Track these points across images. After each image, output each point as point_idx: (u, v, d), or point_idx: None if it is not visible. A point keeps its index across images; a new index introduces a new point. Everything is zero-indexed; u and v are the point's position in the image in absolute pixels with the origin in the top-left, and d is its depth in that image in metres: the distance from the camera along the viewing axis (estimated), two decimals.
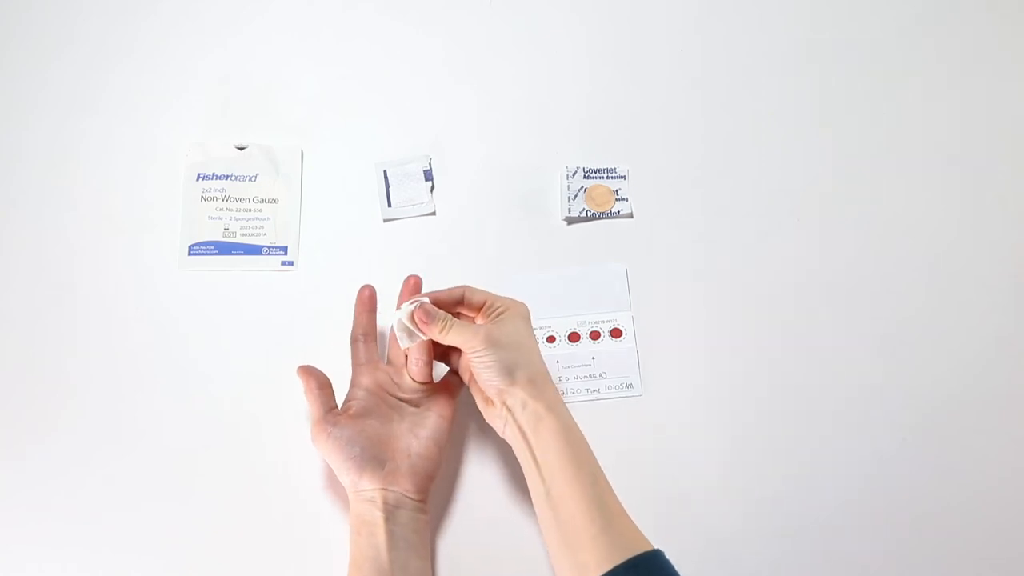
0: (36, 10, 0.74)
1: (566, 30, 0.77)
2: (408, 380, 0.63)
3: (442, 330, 0.58)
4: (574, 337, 0.70)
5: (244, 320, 0.69)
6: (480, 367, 0.57)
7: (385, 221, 0.72)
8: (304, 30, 0.75)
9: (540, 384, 0.57)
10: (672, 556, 0.54)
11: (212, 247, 0.70)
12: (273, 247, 0.71)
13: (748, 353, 0.70)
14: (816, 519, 0.67)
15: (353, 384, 0.63)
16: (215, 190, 0.71)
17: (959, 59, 0.78)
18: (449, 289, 0.61)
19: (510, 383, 0.57)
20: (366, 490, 0.58)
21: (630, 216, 0.73)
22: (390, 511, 0.57)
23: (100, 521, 0.64)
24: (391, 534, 0.56)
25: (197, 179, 0.71)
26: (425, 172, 0.72)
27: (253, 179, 0.72)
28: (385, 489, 0.58)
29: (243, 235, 0.71)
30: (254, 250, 0.71)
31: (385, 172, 0.72)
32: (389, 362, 0.65)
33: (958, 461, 0.68)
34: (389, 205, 0.72)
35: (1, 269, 0.69)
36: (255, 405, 0.67)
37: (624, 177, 0.73)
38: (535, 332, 0.68)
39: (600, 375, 0.69)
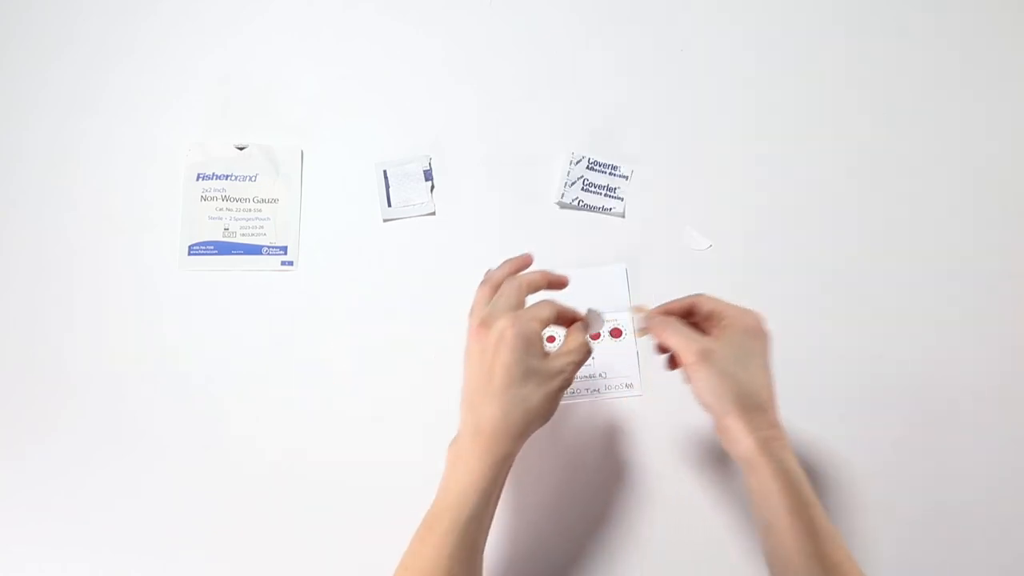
0: (36, 10, 0.74)
1: (566, 30, 0.77)
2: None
3: (660, 332, 0.56)
4: None
5: (244, 320, 0.69)
6: (692, 380, 0.55)
7: (385, 221, 0.72)
8: (304, 30, 0.75)
9: (755, 419, 0.54)
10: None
11: (212, 247, 0.70)
12: (273, 247, 0.71)
13: None
14: None
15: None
16: (215, 190, 0.71)
17: (959, 59, 0.78)
18: (681, 299, 0.59)
19: (718, 411, 0.54)
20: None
21: (622, 216, 0.73)
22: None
23: (100, 521, 0.64)
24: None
25: (197, 179, 0.71)
26: (425, 172, 0.72)
27: (253, 179, 0.72)
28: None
29: (243, 235, 0.71)
30: (254, 250, 0.71)
31: (385, 172, 0.72)
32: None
33: (958, 461, 0.68)
34: (389, 205, 0.72)
35: (1, 269, 0.69)
36: (255, 405, 0.67)
37: (626, 177, 0.73)
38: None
39: (600, 375, 0.69)
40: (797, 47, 0.77)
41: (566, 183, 0.72)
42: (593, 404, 0.68)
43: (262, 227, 0.71)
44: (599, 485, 0.67)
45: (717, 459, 0.68)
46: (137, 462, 0.66)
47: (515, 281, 0.56)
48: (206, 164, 0.72)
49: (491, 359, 0.53)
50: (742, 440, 0.53)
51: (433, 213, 0.72)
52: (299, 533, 0.65)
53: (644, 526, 0.66)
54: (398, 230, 0.72)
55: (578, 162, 0.73)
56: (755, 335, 0.56)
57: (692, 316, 0.58)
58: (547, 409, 0.55)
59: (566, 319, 0.58)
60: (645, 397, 0.69)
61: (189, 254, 0.70)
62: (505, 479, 0.54)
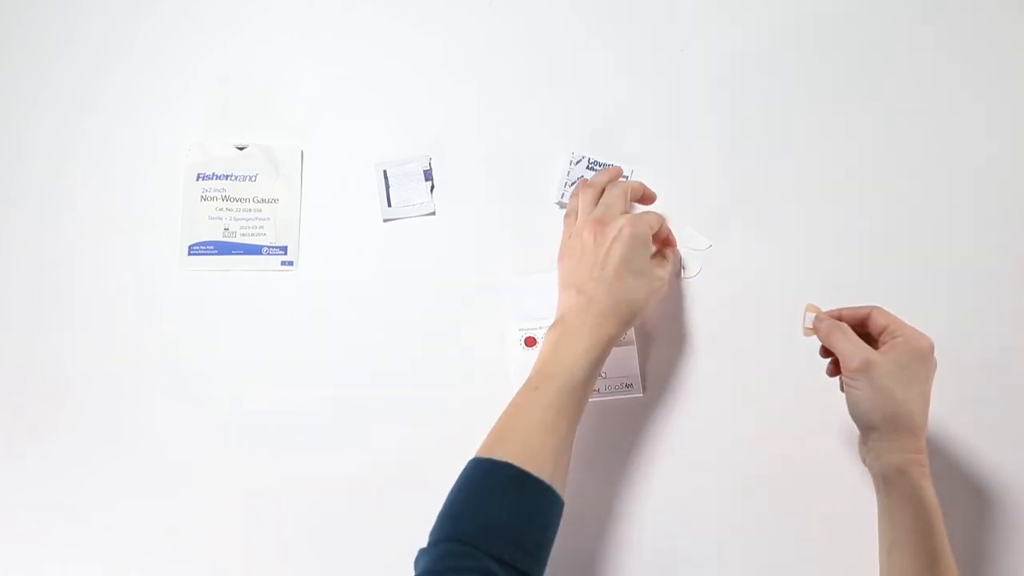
0: (36, 10, 0.74)
1: (566, 30, 0.76)
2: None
3: (827, 335, 0.58)
4: None
5: (244, 320, 0.69)
6: (848, 389, 0.56)
7: (385, 221, 0.72)
8: (304, 30, 0.75)
9: (901, 440, 0.54)
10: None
11: (212, 247, 0.70)
12: (273, 247, 0.71)
13: (748, 353, 0.70)
14: (817, 519, 0.67)
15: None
16: (215, 190, 0.71)
17: (960, 59, 0.78)
18: (856, 307, 0.59)
19: (867, 424, 0.55)
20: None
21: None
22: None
23: (100, 521, 0.64)
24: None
25: (197, 179, 0.71)
26: (425, 172, 0.72)
27: (253, 179, 0.72)
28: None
29: (243, 235, 0.71)
30: (254, 250, 0.71)
31: (385, 172, 0.72)
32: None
33: (960, 460, 0.68)
34: (389, 205, 0.72)
35: (1, 269, 0.69)
36: (255, 405, 0.67)
37: (626, 177, 0.73)
38: (536, 332, 0.69)
39: (600, 375, 0.69)
40: (797, 47, 0.77)
41: (566, 183, 0.72)
42: (593, 404, 0.68)
43: (262, 227, 0.71)
44: (598, 485, 0.67)
45: (719, 458, 0.68)
46: (137, 462, 0.66)
47: (620, 187, 0.63)
48: (206, 164, 0.72)
49: (606, 251, 0.58)
50: (884, 457, 0.54)
51: (433, 213, 0.72)
52: (300, 533, 0.65)
53: (643, 526, 0.66)
54: (398, 230, 0.72)
55: (578, 162, 0.73)
56: (924, 359, 0.55)
57: (864, 327, 0.58)
58: (647, 306, 0.60)
59: (661, 236, 0.64)
60: (645, 397, 0.69)
61: (189, 254, 0.70)
62: (603, 364, 0.59)
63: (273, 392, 0.68)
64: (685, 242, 0.72)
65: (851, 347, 0.55)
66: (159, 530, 0.65)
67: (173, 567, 0.64)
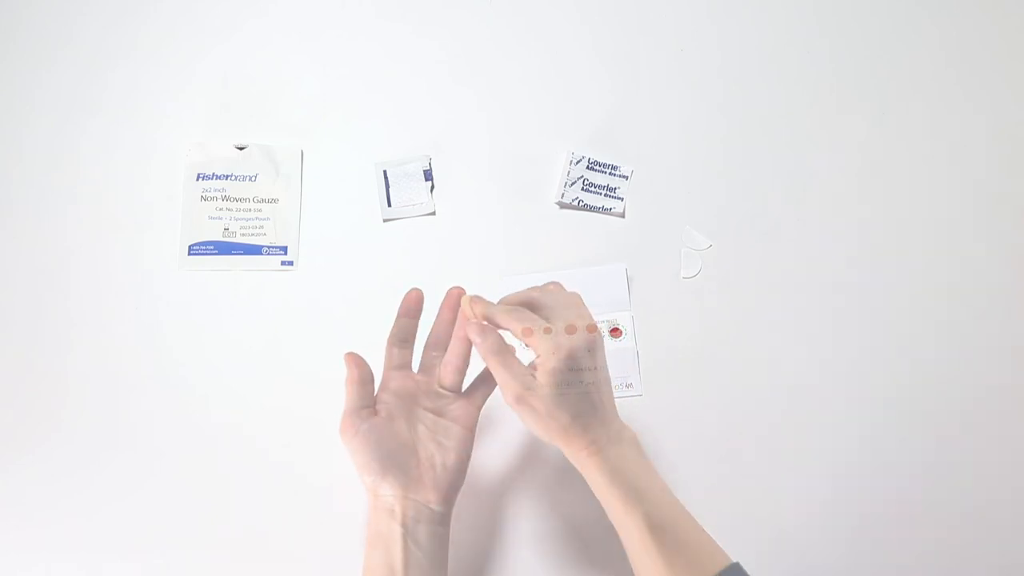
0: (36, 10, 0.74)
1: (567, 30, 0.76)
2: (437, 389, 0.60)
3: (486, 355, 0.55)
4: None
5: (244, 320, 0.69)
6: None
7: (385, 221, 0.72)
8: (304, 30, 0.75)
9: (574, 445, 0.54)
10: None
11: (212, 247, 0.70)
12: (273, 247, 0.71)
13: (748, 353, 0.70)
14: (815, 518, 0.67)
15: (382, 388, 0.60)
16: (215, 190, 0.71)
17: (960, 58, 0.78)
18: (522, 293, 0.58)
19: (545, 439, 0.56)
20: (386, 496, 0.55)
21: (621, 216, 0.73)
22: (409, 526, 0.54)
23: (99, 523, 0.64)
24: (408, 553, 0.53)
25: (197, 179, 0.71)
26: (425, 172, 0.72)
27: (253, 179, 0.72)
28: (405, 497, 0.55)
29: (243, 235, 0.71)
30: (254, 250, 0.71)
31: (385, 172, 0.72)
32: (421, 370, 0.62)
33: (958, 461, 0.68)
34: (389, 205, 0.72)
35: (1, 269, 0.69)
36: (255, 405, 0.67)
37: (626, 177, 0.73)
38: None
39: None
40: (798, 47, 0.77)
41: (566, 183, 0.72)
42: None
43: (262, 227, 0.71)
44: None
45: (718, 458, 0.68)
46: (136, 463, 0.66)
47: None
48: (206, 164, 0.72)
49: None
50: (572, 459, 0.55)
51: (433, 213, 0.72)
52: (300, 534, 0.65)
53: None
54: (398, 230, 0.72)
55: (578, 162, 0.73)
56: (571, 366, 0.53)
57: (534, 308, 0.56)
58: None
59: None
60: (645, 397, 0.69)
61: (189, 254, 0.70)
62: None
63: (273, 392, 0.68)
64: (686, 243, 0.72)
65: (507, 377, 0.53)
66: (158, 532, 0.64)
67: (172, 568, 0.64)
